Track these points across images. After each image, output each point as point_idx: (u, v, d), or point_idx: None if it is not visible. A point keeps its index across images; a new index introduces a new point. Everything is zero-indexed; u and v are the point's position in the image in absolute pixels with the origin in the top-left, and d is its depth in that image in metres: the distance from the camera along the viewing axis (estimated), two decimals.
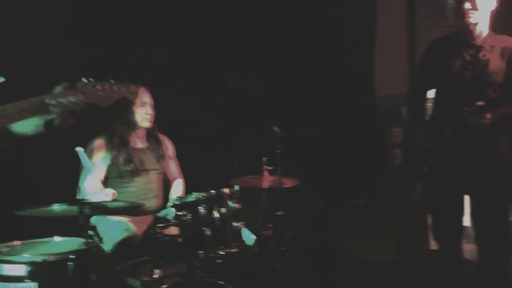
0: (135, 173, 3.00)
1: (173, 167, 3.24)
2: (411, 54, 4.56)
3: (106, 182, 2.98)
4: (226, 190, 2.51)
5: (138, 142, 3.11)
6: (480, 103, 2.55)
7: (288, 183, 3.00)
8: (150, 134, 3.17)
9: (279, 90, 3.72)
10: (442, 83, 2.79)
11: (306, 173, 3.21)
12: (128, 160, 2.99)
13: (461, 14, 2.64)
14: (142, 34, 3.38)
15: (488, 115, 2.55)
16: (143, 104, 3.00)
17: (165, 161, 3.18)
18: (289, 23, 3.78)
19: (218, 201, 2.48)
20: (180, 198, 2.57)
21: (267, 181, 3.04)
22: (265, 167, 3.06)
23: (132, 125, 3.03)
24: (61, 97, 1.75)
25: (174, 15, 3.46)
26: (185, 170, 3.33)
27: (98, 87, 1.86)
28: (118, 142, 3.01)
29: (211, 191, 2.48)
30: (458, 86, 2.69)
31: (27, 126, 1.83)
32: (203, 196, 2.45)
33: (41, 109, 1.73)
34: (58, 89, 1.78)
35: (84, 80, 1.85)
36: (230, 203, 2.51)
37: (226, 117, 3.56)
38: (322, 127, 3.53)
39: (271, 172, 3.08)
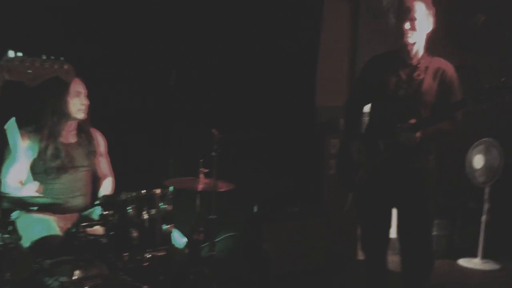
0: (62, 169, 2.85)
1: (103, 164, 3.12)
2: (353, 68, 4.67)
3: (30, 177, 2.82)
4: (158, 191, 2.43)
5: (69, 136, 2.97)
6: (412, 121, 2.65)
7: (223, 186, 2.97)
8: (82, 128, 3.03)
9: (221, 93, 3.69)
10: (378, 98, 2.87)
11: (241, 178, 3.18)
12: (56, 156, 2.83)
13: (400, 34, 2.73)
14: (80, 25, 3.24)
15: (419, 133, 2.65)
16: (77, 94, 2.86)
17: (96, 158, 3.05)
18: (235, 26, 3.76)
19: (148, 202, 2.40)
20: (107, 196, 2.47)
21: (202, 183, 2.99)
22: (201, 169, 3.01)
23: (65, 116, 2.88)
24: None
25: (117, 7, 3.34)
26: (118, 168, 3.22)
27: (27, 63, 1.67)
28: (48, 134, 2.85)
29: (142, 191, 2.40)
30: (393, 103, 2.77)
31: None
32: (132, 196, 2.36)
33: None
34: None
35: (11, 54, 1.65)
36: (161, 205, 2.43)
37: (164, 116, 3.47)
38: (261, 132, 3.53)
39: (207, 175, 3.03)
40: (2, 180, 2.69)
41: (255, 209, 3.77)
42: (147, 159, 3.45)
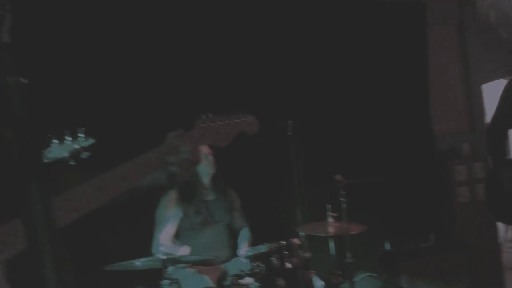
0: (206, 224, 3.14)
1: (239, 217, 3.36)
2: (467, 89, 4.53)
3: (178, 235, 3.14)
4: (296, 240, 2.58)
5: (206, 194, 3.27)
6: None
7: (354, 229, 3.02)
8: (217, 186, 3.32)
9: (342, 138, 3.79)
10: None
11: (371, 218, 3.21)
12: (198, 212, 3.15)
13: None
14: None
15: None
16: (202, 156, 3.17)
17: (233, 212, 3.31)
18: (345, 70, 3.89)
19: (289, 251, 2.55)
20: (252, 249, 2.67)
21: (333, 227, 3.08)
22: (330, 213, 3.11)
23: (197, 176, 3.18)
24: (178, 146, 1.49)
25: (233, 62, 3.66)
26: (250, 218, 3.43)
27: (219, 122, 1.55)
28: (188, 194, 3.18)
29: (281, 241, 2.56)
30: None
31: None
32: (274, 247, 2.53)
33: (162, 163, 1.48)
34: (172, 136, 1.53)
35: (203, 117, 1.55)
36: (301, 253, 2.57)
37: (286, 165, 3.64)
38: (384, 171, 3.54)
39: (336, 219, 3.11)
40: (156, 240, 3.03)
41: (389, 247, 3.73)
42: (276, 208, 3.63)
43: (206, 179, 3.25)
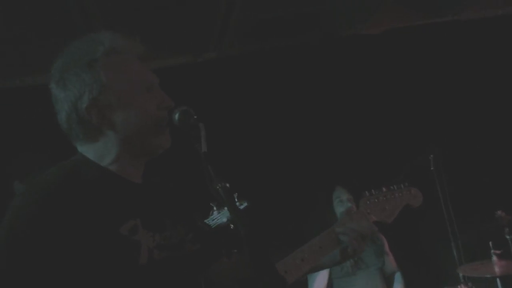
0: (357, 268, 3.10)
1: (389, 261, 3.26)
2: None
3: (332, 283, 3.13)
4: (462, 287, 2.42)
5: None
6: None
7: None
8: None
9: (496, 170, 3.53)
10: None
11: None
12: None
13: None
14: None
15: None
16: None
17: (384, 256, 3.22)
18: (487, 92, 3.68)
19: None
20: None
21: (498, 267, 2.83)
22: (494, 251, 2.87)
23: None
24: (349, 224, 1.52)
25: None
26: (402, 262, 3.30)
27: (383, 198, 1.57)
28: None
29: None
30: None
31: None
32: None
33: (335, 242, 1.51)
34: (342, 215, 1.62)
35: (366, 194, 1.59)
36: None
37: (433, 203, 3.46)
38: None
39: (500, 257, 2.86)
40: None
41: None
42: (429, 250, 3.45)
43: None
